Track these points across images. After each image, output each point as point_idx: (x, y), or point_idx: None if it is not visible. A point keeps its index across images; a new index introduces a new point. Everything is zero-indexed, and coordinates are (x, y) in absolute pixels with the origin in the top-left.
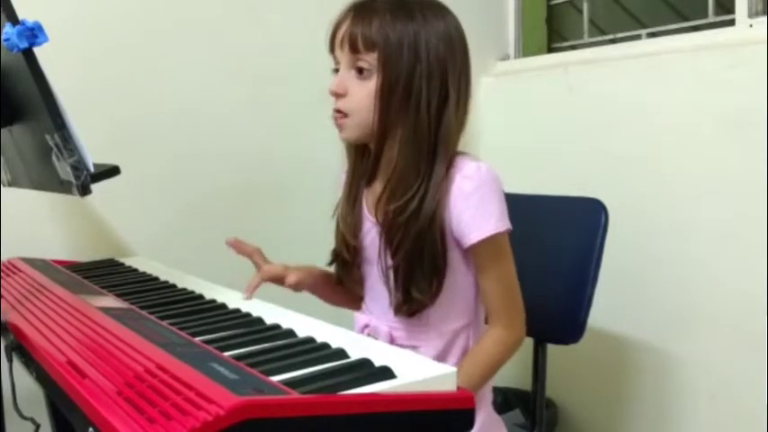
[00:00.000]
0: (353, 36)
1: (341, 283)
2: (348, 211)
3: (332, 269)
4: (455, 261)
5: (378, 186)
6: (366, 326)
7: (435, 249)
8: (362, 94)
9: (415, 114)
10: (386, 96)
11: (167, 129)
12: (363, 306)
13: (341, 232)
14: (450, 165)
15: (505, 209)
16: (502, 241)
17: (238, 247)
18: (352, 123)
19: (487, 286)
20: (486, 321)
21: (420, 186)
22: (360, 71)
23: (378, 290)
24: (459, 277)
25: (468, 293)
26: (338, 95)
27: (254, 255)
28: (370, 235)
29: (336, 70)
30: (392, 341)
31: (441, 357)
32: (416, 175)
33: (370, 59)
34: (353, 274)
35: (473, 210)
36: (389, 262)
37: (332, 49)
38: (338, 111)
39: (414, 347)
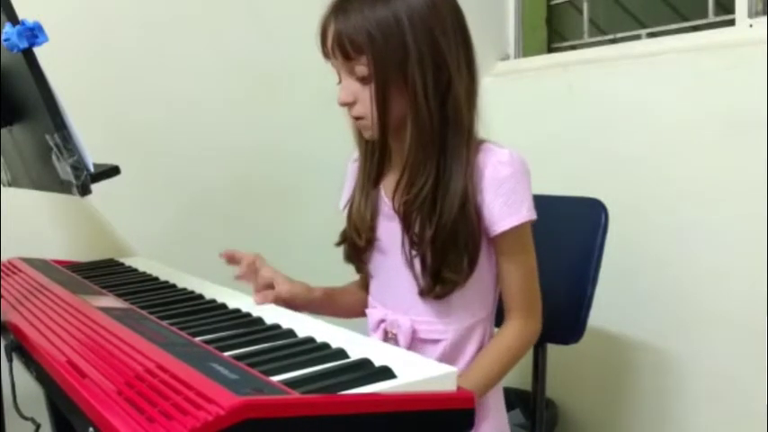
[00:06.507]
0: (341, 43)
1: (351, 263)
2: (362, 202)
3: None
4: (482, 251)
5: (393, 176)
6: (382, 320)
7: (471, 228)
8: (369, 98)
9: (414, 100)
10: (383, 94)
11: (167, 128)
12: (371, 300)
13: (353, 222)
14: (478, 150)
15: (532, 198)
16: (529, 231)
17: (231, 259)
18: (371, 124)
19: (510, 275)
20: (501, 315)
21: (436, 169)
22: (361, 79)
23: (397, 280)
24: (482, 268)
25: (489, 287)
26: (348, 105)
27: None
28: (389, 224)
29: (340, 80)
30: (414, 335)
31: (458, 350)
32: (430, 159)
33: (363, 63)
34: (365, 257)
35: (505, 197)
36: (413, 249)
37: (326, 57)
38: (354, 117)
39: (435, 341)
